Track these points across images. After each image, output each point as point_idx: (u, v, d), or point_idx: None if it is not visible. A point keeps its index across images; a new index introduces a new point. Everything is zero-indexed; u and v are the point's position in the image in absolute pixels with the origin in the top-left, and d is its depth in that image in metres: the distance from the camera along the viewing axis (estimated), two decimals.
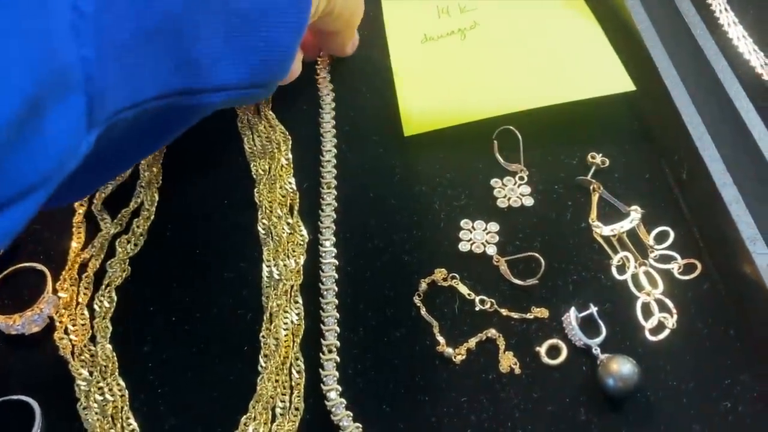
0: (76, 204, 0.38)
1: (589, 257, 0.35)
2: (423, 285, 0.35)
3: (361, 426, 0.30)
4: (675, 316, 0.33)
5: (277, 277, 0.35)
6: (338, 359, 0.32)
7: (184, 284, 0.36)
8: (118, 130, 0.25)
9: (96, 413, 0.32)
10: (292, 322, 0.34)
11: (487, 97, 0.39)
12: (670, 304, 0.33)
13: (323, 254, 0.35)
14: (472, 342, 0.33)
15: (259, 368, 0.32)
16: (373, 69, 0.44)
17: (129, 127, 0.25)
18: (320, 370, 0.32)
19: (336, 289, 0.34)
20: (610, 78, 0.39)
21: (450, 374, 0.32)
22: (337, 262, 0.35)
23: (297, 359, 0.33)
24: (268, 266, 0.35)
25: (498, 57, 0.41)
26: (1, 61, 0.18)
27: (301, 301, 0.34)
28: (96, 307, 0.35)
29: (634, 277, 0.35)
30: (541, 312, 0.34)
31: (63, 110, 0.21)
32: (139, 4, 0.24)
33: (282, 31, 0.30)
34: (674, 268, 0.35)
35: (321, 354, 0.33)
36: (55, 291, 0.35)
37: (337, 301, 0.34)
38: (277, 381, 0.32)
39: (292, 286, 0.35)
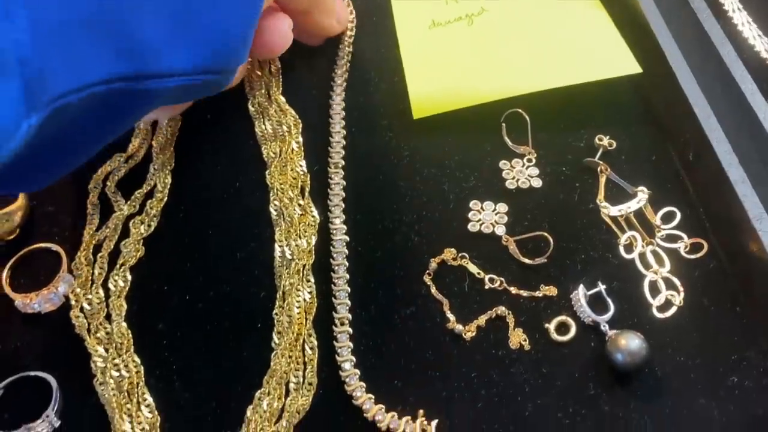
0: (90, 186, 0.39)
1: (597, 237, 0.36)
2: (433, 264, 0.35)
3: (373, 397, 0.31)
4: (682, 294, 0.34)
5: (289, 256, 0.35)
6: (350, 331, 0.33)
7: (198, 264, 0.36)
8: (68, 114, 0.25)
9: (112, 389, 0.32)
10: (304, 300, 0.34)
11: (494, 80, 0.40)
12: (677, 282, 0.34)
13: (334, 233, 0.36)
14: (482, 319, 0.34)
15: (273, 345, 0.33)
16: (381, 55, 0.44)
17: (80, 113, 0.25)
18: (334, 342, 0.33)
19: (347, 265, 0.35)
20: (617, 61, 0.39)
21: (460, 350, 0.33)
22: (348, 239, 0.36)
23: (310, 336, 0.33)
24: (280, 246, 0.36)
25: (505, 41, 0.42)
26: None
27: (312, 279, 0.35)
28: (111, 286, 0.35)
29: (642, 256, 0.35)
30: (549, 290, 0.34)
31: None
32: None
33: (232, 14, 0.29)
34: (681, 247, 0.35)
35: (334, 327, 0.33)
36: (70, 271, 0.36)
37: (348, 276, 0.35)
38: (290, 357, 0.32)
39: (304, 266, 0.35)
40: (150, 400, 0.32)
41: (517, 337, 0.33)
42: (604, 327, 0.33)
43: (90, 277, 0.36)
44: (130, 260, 0.36)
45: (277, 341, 0.33)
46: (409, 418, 0.31)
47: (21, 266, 0.36)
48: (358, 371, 0.32)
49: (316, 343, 0.33)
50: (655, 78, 0.40)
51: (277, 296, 0.34)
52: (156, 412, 0.32)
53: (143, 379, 0.33)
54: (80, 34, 0.24)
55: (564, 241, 0.36)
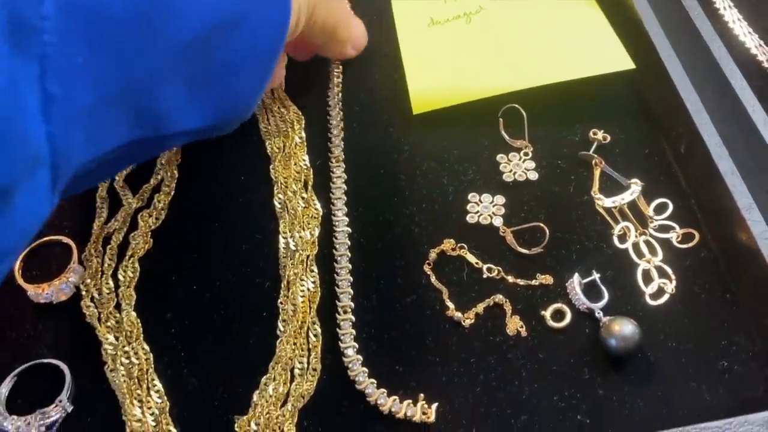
0: None
1: (592, 228, 0.37)
2: (432, 254, 0.36)
3: (375, 382, 0.32)
4: (674, 282, 0.35)
5: (293, 248, 0.37)
6: (353, 319, 0.34)
7: (204, 255, 0.37)
8: (85, 170, 0.26)
9: (122, 375, 0.33)
10: (308, 289, 0.35)
11: (492, 77, 0.41)
12: (669, 271, 0.35)
13: (336, 224, 0.37)
14: (480, 307, 0.35)
15: (278, 332, 0.34)
16: (382, 53, 0.45)
17: (97, 166, 0.26)
18: (337, 329, 0.34)
19: (349, 255, 0.36)
20: (611, 57, 0.40)
21: (459, 337, 0.34)
22: (350, 230, 0.37)
23: (314, 323, 0.34)
24: (284, 238, 0.37)
25: (502, 39, 0.43)
26: None
27: (316, 270, 0.36)
28: (120, 276, 0.36)
29: (635, 245, 0.36)
30: (546, 279, 0.35)
31: (31, 188, 0.22)
32: (102, 74, 0.24)
33: (246, 80, 0.30)
34: (673, 237, 0.36)
35: (337, 314, 0.34)
36: (80, 262, 0.37)
37: (350, 266, 0.36)
38: (295, 344, 0.34)
39: (307, 256, 0.36)
40: (159, 385, 0.33)
41: (514, 324, 0.34)
42: (599, 314, 0.34)
43: (100, 268, 0.37)
44: (139, 252, 0.37)
45: (282, 329, 0.34)
46: (410, 401, 0.32)
47: (33, 258, 0.37)
48: (360, 357, 0.33)
49: (319, 330, 0.34)
50: (647, 73, 0.41)
51: (282, 286, 0.35)
52: (165, 398, 0.33)
53: (152, 365, 0.34)
54: (105, 113, 0.25)
55: (559, 232, 0.37)
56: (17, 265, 0.37)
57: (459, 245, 0.37)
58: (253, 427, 0.32)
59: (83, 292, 0.36)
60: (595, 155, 0.39)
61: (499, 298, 0.35)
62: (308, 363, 0.33)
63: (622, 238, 0.36)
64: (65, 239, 0.38)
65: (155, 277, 0.37)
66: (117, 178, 0.40)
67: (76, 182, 0.26)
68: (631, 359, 0.33)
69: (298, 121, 0.41)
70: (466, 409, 0.32)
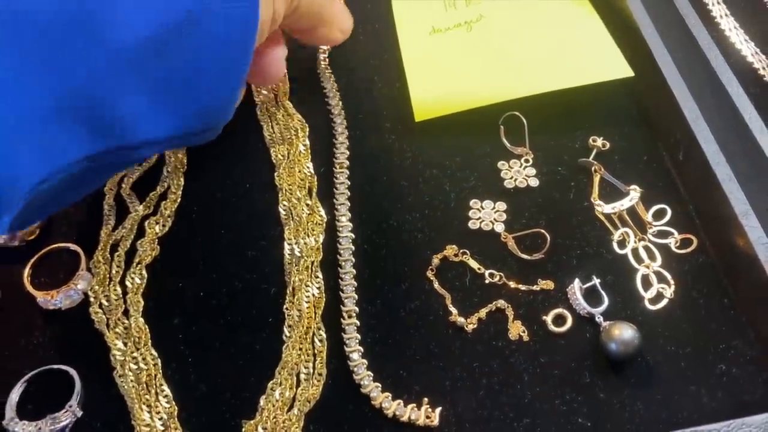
0: (106, 188, 0.40)
1: (592, 233, 0.38)
2: (435, 260, 0.37)
3: (380, 385, 0.33)
4: (673, 287, 0.35)
5: (298, 254, 0.37)
6: (358, 323, 0.35)
7: (211, 262, 0.38)
8: (49, 189, 0.24)
9: (131, 380, 0.34)
10: (313, 295, 0.36)
11: (493, 84, 0.41)
12: (668, 276, 0.36)
13: (340, 230, 0.38)
14: (482, 312, 0.35)
15: (284, 338, 0.35)
16: (384, 61, 0.46)
17: (63, 184, 0.25)
18: (342, 334, 0.34)
19: (353, 261, 0.37)
20: (610, 65, 0.41)
21: (462, 342, 0.34)
22: (353, 237, 0.38)
23: (319, 329, 0.35)
24: (289, 244, 0.38)
25: (503, 47, 0.43)
26: None
27: (321, 276, 0.37)
28: (128, 283, 0.37)
29: (634, 251, 0.37)
30: (547, 284, 0.36)
31: None
32: (38, 84, 0.22)
33: (217, 79, 0.27)
34: (671, 242, 0.37)
35: (341, 319, 0.35)
36: (88, 269, 0.37)
37: (354, 272, 0.36)
38: (301, 349, 0.34)
39: (312, 262, 0.37)
40: (167, 391, 0.34)
41: (516, 329, 0.35)
42: (599, 318, 0.34)
43: (108, 275, 0.37)
44: (146, 259, 0.38)
45: (287, 334, 0.35)
46: (414, 405, 0.32)
47: (41, 265, 0.38)
48: (365, 361, 0.34)
49: (325, 335, 0.35)
50: (646, 81, 0.41)
51: (287, 292, 0.36)
52: (173, 403, 0.33)
53: (160, 371, 0.34)
54: (51, 124, 0.23)
55: (560, 238, 0.37)
56: (26, 272, 0.37)
57: (461, 251, 0.37)
58: (261, 431, 0.32)
59: (91, 299, 0.36)
60: (595, 162, 0.40)
61: (501, 303, 0.35)
62: (314, 368, 0.34)
63: (622, 243, 0.37)
64: (73, 246, 0.38)
65: (162, 284, 0.37)
66: (123, 185, 0.40)
67: (40, 204, 0.25)
68: (631, 363, 0.33)
69: (302, 129, 0.42)
70: (469, 412, 0.32)
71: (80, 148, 0.25)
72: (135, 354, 0.35)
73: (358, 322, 0.35)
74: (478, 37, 0.45)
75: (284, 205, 0.39)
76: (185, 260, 0.38)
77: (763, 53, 0.43)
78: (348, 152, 0.41)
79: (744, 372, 0.33)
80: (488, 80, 0.42)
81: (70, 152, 0.24)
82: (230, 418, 0.33)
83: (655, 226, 0.37)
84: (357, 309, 0.35)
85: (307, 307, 0.35)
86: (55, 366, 0.34)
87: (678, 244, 0.37)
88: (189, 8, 0.25)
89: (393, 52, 0.46)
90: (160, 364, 0.34)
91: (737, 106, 0.39)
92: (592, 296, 0.35)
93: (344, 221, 0.38)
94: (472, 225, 0.38)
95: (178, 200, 0.40)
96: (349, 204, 0.39)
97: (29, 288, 0.36)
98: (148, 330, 0.35)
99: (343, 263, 0.37)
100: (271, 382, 0.33)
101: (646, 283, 0.36)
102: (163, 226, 0.39)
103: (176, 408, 0.33)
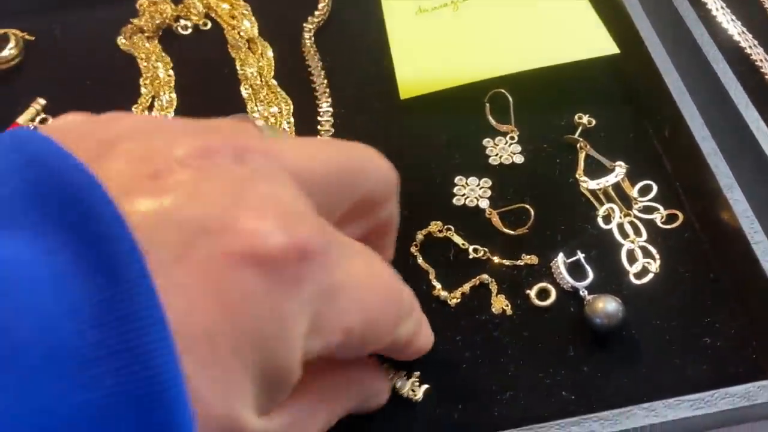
0: None
1: (577, 209, 0.37)
2: (419, 236, 0.37)
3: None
4: (658, 262, 0.35)
5: None
6: None
7: None
8: None
9: None
10: None
11: (479, 61, 0.41)
12: (654, 251, 0.35)
13: None
14: (466, 287, 0.35)
15: None
16: (370, 41, 0.46)
17: None
18: None
19: None
20: (595, 42, 0.41)
21: (446, 316, 0.34)
22: None
23: None
24: None
25: (489, 25, 0.43)
26: None
27: None
28: None
29: (620, 226, 0.37)
30: (531, 259, 0.36)
31: None
32: None
33: None
34: (657, 218, 0.37)
35: None
36: None
37: None
38: None
39: None
40: None
41: (500, 303, 0.34)
42: (583, 292, 0.34)
43: None
44: None
45: None
46: (405, 373, 0.31)
47: None
48: None
49: None
50: (632, 59, 0.41)
51: None
52: None
53: None
54: None
55: (545, 214, 0.37)
56: None
57: (446, 227, 0.37)
58: None
59: None
60: (581, 139, 0.39)
61: (484, 278, 0.35)
62: None
63: (607, 218, 0.37)
64: None
65: None
66: None
67: None
68: (615, 336, 0.33)
69: (286, 107, 0.42)
70: (453, 385, 0.32)
71: None
72: None
73: None
74: (465, 16, 0.44)
75: None
76: None
77: (748, 32, 0.43)
78: (333, 130, 0.41)
79: (728, 345, 0.33)
80: (474, 58, 0.42)
81: None
82: None
83: (641, 201, 0.37)
84: None
85: None
86: None
87: (664, 220, 0.37)
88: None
89: (379, 32, 0.46)
90: None
91: (722, 82, 0.39)
92: (576, 271, 0.35)
93: None
94: (457, 201, 0.38)
95: None
96: None
97: None
98: None
99: None
100: None
101: (632, 258, 0.35)
102: None
103: None
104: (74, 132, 0.20)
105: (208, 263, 0.18)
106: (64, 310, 0.15)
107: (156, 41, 0.46)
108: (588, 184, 0.38)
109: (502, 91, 0.40)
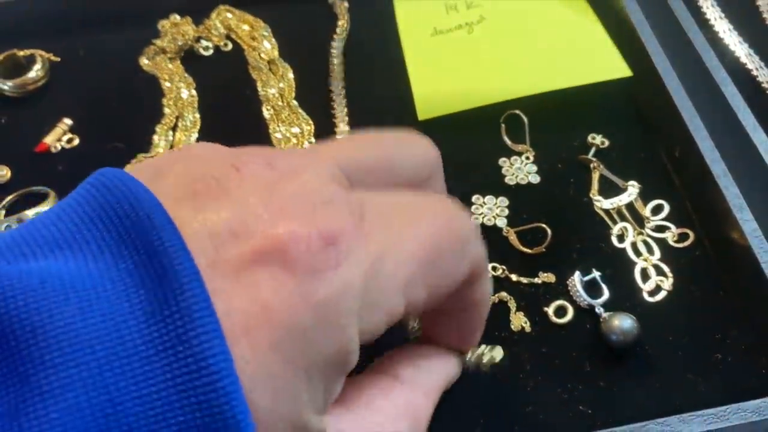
0: None
1: (591, 228, 0.39)
2: None
3: None
4: (671, 279, 0.36)
5: None
6: None
7: None
8: None
9: None
10: None
11: (494, 84, 0.42)
12: (666, 269, 0.37)
13: None
14: None
15: None
16: (387, 62, 0.47)
17: None
18: None
19: None
20: (609, 65, 0.42)
21: None
22: None
23: None
24: None
25: (504, 48, 0.45)
26: None
27: None
28: None
29: (633, 245, 0.38)
30: (548, 277, 0.37)
31: None
32: None
33: None
34: (669, 237, 0.38)
35: None
36: None
37: None
38: None
39: None
40: None
41: (519, 320, 0.35)
42: (599, 310, 0.35)
43: None
44: None
45: None
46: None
47: None
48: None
49: None
50: (644, 81, 0.42)
51: None
52: None
53: None
54: None
55: (560, 232, 0.38)
56: None
57: None
58: None
59: None
60: (594, 159, 0.41)
61: (503, 295, 0.36)
62: None
63: (621, 237, 0.38)
64: None
65: None
66: None
67: None
68: (630, 353, 0.34)
69: (307, 126, 0.43)
70: (473, 401, 0.33)
71: None
72: None
73: None
74: (479, 38, 0.46)
75: None
76: None
77: (756, 54, 0.45)
78: None
79: (739, 360, 0.34)
80: (489, 80, 0.43)
81: None
82: None
83: (653, 220, 0.38)
84: None
85: None
86: None
87: (675, 238, 0.38)
88: None
89: (396, 54, 0.47)
90: None
91: (731, 104, 0.40)
92: (592, 288, 0.36)
93: None
94: (475, 220, 0.39)
95: None
96: None
97: None
98: None
99: None
100: None
101: (645, 276, 0.37)
102: None
103: None
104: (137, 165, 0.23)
105: (239, 265, 0.19)
106: (125, 311, 0.17)
107: (178, 62, 0.48)
108: (602, 203, 0.39)
109: (518, 112, 0.42)
